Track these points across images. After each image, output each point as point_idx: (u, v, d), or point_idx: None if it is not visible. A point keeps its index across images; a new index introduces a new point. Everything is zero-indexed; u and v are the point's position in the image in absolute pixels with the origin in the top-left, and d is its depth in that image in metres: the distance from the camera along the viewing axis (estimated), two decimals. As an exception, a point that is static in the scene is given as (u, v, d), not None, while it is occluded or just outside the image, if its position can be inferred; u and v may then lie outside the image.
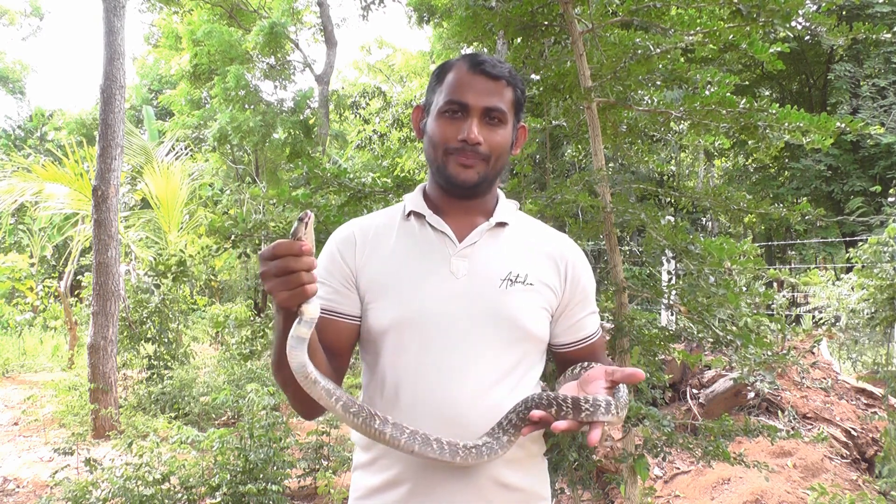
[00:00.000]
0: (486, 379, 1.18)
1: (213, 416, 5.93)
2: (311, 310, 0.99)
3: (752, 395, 4.61)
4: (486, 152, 1.21)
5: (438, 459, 1.06)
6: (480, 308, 1.20)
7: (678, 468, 4.07)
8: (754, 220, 15.25)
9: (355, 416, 1.04)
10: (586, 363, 1.25)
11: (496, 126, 1.22)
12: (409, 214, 1.29)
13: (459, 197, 1.27)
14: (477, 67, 1.22)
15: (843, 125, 2.32)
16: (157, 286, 7.02)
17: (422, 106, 1.31)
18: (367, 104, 16.18)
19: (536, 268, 1.25)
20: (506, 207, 1.31)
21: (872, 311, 5.88)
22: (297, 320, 0.99)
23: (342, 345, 1.24)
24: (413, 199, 1.30)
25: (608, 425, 1.03)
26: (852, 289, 6.46)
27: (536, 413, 1.02)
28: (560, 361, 1.35)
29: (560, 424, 1.00)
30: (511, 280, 1.22)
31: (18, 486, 4.57)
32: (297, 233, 0.97)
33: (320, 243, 1.04)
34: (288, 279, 0.96)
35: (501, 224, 1.28)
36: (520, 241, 1.29)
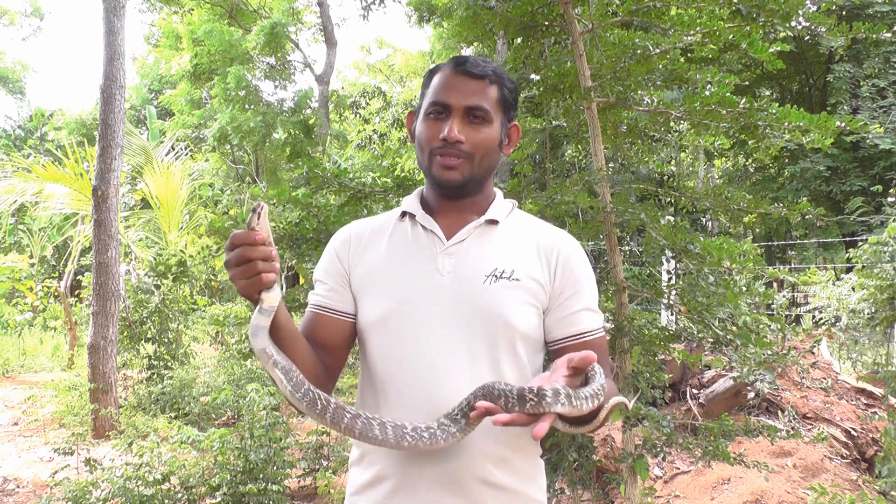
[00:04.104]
0: (470, 374, 1.17)
1: (213, 416, 5.93)
2: (271, 298, 1.02)
3: (752, 395, 4.61)
4: (469, 150, 1.22)
5: (383, 444, 1.04)
6: (464, 304, 1.20)
7: (678, 468, 4.07)
8: (754, 220, 15.26)
9: (300, 399, 1.04)
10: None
11: (479, 125, 1.23)
12: (403, 215, 1.32)
13: (450, 197, 1.28)
14: (459, 67, 1.24)
15: (843, 125, 2.32)
16: (158, 286, 7.02)
17: (414, 112, 1.34)
18: (367, 104, 16.19)
19: (524, 263, 1.25)
20: (500, 206, 1.31)
21: (872, 311, 5.89)
22: (257, 308, 1.02)
23: (336, 341, 1.27)
24: (409, 201, 1.33)
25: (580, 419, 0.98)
26: (852, 289, 6.46)
27: (482, 404, 0.98)
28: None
29: (501, 418, 0.95)
30: (496, 276, 1.22)
31: (18, 486, 4.57)
32: (250, 223, 1.01)
33: (321, 243, 1.05)
34: (245, 268, 1.00)
35: (492, 222, 1.28)
36: (510, 238, 1.28)
